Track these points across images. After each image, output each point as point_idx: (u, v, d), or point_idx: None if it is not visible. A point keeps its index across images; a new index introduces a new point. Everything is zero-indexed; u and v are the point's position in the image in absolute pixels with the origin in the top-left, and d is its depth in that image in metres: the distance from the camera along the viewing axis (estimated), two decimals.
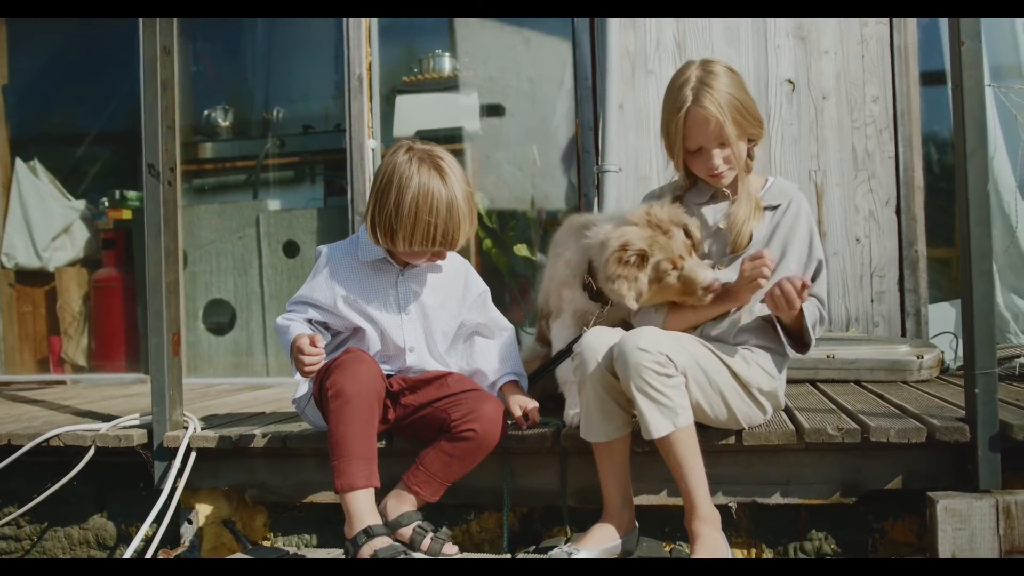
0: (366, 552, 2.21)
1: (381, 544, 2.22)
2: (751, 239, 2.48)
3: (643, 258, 2.35)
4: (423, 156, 2.45)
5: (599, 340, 2.35)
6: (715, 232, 2.53)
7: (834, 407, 2.82)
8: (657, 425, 2.21)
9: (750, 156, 2.51)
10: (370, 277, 2.57)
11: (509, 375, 2.69)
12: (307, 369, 2.38)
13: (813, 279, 2.44)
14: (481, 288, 2.75)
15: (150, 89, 2.85)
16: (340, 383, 2.33)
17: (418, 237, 2.43)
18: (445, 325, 2.65)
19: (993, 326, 2.39)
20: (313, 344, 2.36)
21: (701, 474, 2.28)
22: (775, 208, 2.51)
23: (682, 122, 2.41)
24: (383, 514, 2.40)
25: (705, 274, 2.37)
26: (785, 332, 2.43)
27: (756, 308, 2.48)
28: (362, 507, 2.29)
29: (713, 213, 2.55)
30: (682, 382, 2.26)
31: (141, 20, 2.89)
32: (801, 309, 2.32)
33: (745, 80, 4.10)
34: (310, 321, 2.55)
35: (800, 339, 2.43)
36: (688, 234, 2.42)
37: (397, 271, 2.59)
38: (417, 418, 2.52)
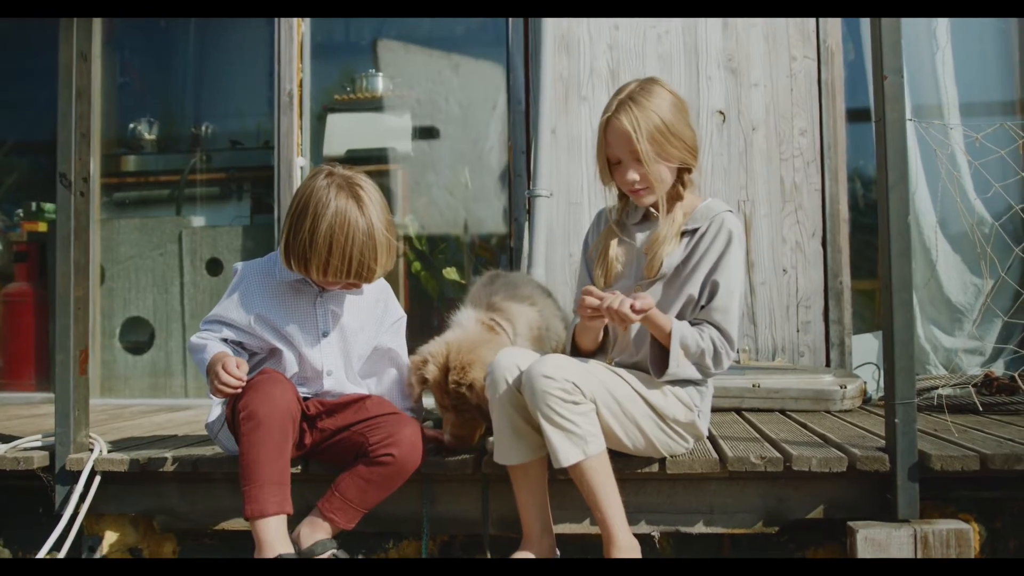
0: None
1: None
2: (662, 265, 2.44)
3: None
4: (342, 182, 2.36)
5: (510, 361, 2.30)
6: (641, 254, 2.51)
7: (758, 436, 2.82)
8: (566, 453, 2.18)
9: (682, 183, 2.48)
10: (288, 297, 2.49)
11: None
12: (222, 389, 2.29)
13: (708, 301, 2.40)
14: (400, 314, 2.70)
15: (65, 96, 2.74)
16: (253, 404, 2.25)
17: (332, 268, 2.35)
18: (362, 348, 2.58)
19: (912, 357, 2.42)
20: (238, 367, 2.29)
21: (616, 502, 2.24)
22: (693, 232, 2.47)
23: (603, 131, 2.43)
24: (296, 542, 2.30)
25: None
26: (663, 353, 2.36)
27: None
28: (273, 535, 2.19)
29: (643, 235, 2.54)
30: (591, 409, 2.23)
31: (61, 23, 2.77)
32: (670, 333, 2.30)
33: None
34: (225, 340, 2.46)
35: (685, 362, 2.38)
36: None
37: (316, 291, 2.51)
38: (335, 442, 2.44)
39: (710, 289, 2.41)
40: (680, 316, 2.43)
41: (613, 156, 2.44)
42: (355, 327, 2.54)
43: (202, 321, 2.53)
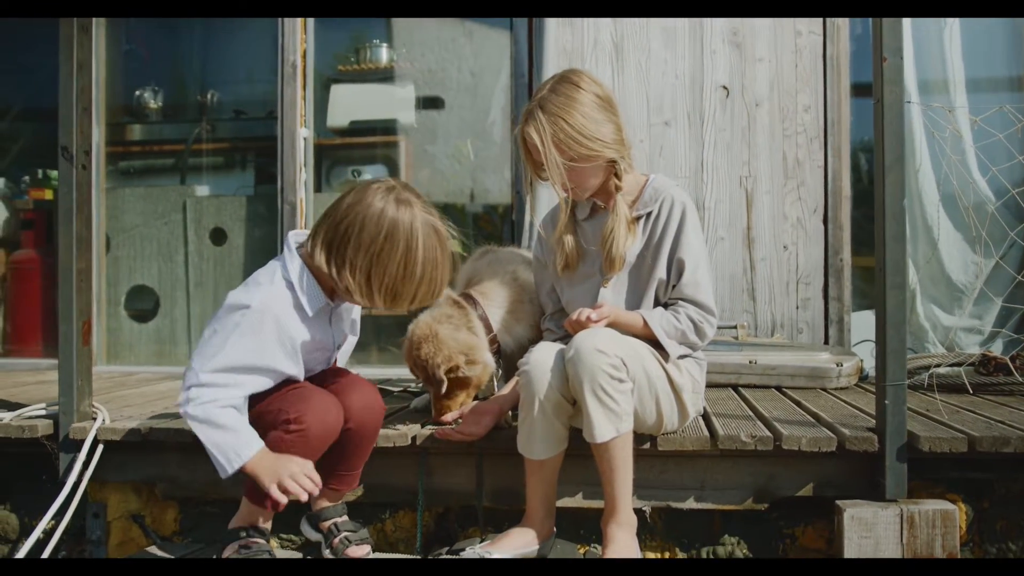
0: (228, 551, 2.29)
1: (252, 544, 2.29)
2: (624, 260, 2.48)
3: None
4: (421, 207, 2.22)
5: (547, 355, 2.32)
6: (598, 249, 2.53)
7: (751, 414, 2.85)
8: (602, 430, 2.21)
9: (616, 175, 2.46)
10: (314, 328, 2.32)
11: None
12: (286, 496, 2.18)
13: (678, 279, 2.46)
14: None
15: (66, 69, 2.76)
16: (307, 418, 2.21)
17: (420, 298, 2.24)
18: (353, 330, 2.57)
19: (904, 338, 2.43)
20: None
21: (629, 479, 2.29)
22: (646, 216, 2.50)
23: (520, 140, 2.44)
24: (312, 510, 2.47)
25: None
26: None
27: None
28: (259, 516, 2.31)
29: (593, 229, 2.56)
30: (630, 387, 2.26)
31: None
32: (644, 326, 2.40)
33: (680, 84, 4.13)
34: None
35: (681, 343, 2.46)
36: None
37: (331, 308, 2.37)
38: None
39: (676, 267, 2.46)
40: (656, 299, 2.49)
41: (533, 161, 2.44)
42: (353, 319, 2.49)
43: (206, 370, 2.17)
